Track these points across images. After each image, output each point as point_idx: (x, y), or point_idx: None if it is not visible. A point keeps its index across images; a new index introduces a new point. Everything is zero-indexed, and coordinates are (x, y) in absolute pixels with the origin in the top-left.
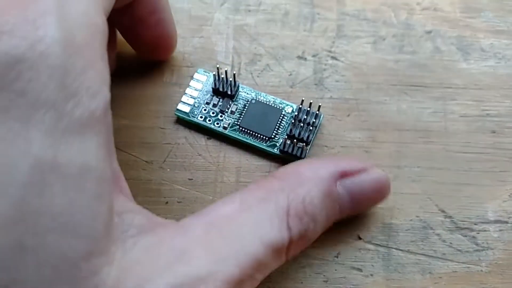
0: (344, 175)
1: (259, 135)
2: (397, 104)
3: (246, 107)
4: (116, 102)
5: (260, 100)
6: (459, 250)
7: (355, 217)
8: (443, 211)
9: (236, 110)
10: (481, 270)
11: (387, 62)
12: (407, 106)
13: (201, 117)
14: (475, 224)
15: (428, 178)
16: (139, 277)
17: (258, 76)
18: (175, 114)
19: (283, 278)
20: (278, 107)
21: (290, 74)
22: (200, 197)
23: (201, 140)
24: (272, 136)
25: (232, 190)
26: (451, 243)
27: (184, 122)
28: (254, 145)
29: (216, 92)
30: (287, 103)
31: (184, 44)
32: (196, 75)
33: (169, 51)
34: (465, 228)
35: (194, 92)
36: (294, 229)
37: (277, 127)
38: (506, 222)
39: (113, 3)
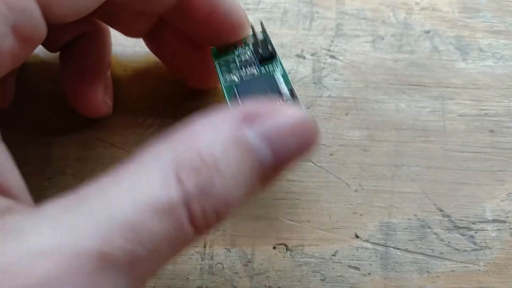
0: (251, 117)
1: None
2: (396, 103)
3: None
4: (114, 100)
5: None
6: (457, 249)
7: (352, 215)
8: (441, 210)
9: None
10: (479, 270)
11: (386, 61)
12: (405, 105)
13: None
14: (473, 223)
15: (426, 177)
16: None
17: None
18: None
19: (280, 277)
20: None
21: (289, 73)
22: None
23: None
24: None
25: None
26: (449, 242)
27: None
28: None
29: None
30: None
31: None
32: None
33: (242, 35)
34: (463, 227)
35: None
36: (189, 182)
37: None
38: (504, 222)
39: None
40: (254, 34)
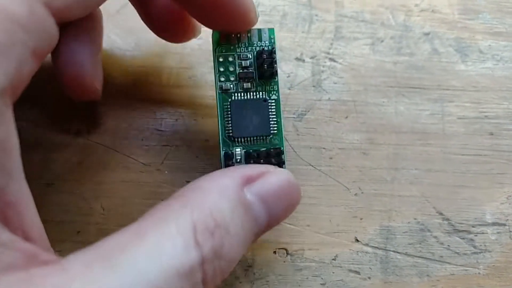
0: (249, 180)
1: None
2: (395, 106)
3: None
4: (113, 104)
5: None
6: (457, 253)
7: (352, 219)
8: (440, 214)
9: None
10: (479, 273)
11: (385, 64)
12: (404, 108)
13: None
14: (473, 227)
15: (426, 180)
16: None
17: None
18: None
19: (280, 281)
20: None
21: (288, 76)
22: None
23: (198, 142)
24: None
25: None
26: (449, 245)
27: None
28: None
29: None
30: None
31: (183, 46)
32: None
33: (249, 24)
34: (463, 230)
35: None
36: (206, 245)
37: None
38: (504, 225)
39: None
40: (260, 43)
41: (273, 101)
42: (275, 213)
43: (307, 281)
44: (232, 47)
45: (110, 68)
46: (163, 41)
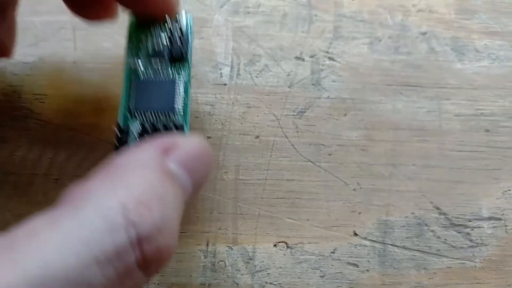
0: (166, 150)
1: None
2: (393, 104)
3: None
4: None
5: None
6: (453, 246)
7: (351, 213)
8: (437, 208)
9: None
10: (475, 266)
11: (383, 63)
12: (402, 105)
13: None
14: (469, 221)
15: (423, 176)
16: None
17: (257, 76)
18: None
19: (280, 274)
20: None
21: (288, 75)
22: (200, 194)
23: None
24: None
25: (231, 187)
26: (445, 239)
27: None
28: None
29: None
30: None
31: None
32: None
33: (171, 11)
34: (460, 224)
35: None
36: (144, 221)
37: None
38: (500, 219)
39: None
40: (176, 24)
41: (181, 81)
42: (198, 178)
43: (306, 274)
44: (147, 31)
45: (116, 69)
46: None
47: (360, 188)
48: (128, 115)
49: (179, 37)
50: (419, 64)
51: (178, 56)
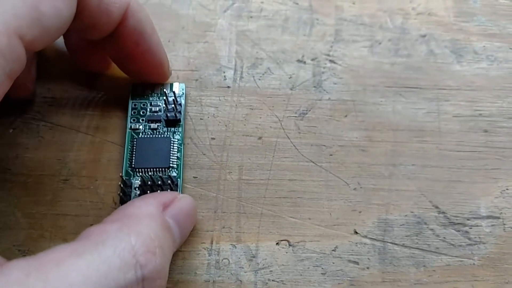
0: (165, 206)
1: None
2: (393, 105)
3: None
4: (126, 105)
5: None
6: (452, 244)
7: (352, 212)
8: (436, 207)
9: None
10: (474, 264)
11: (383, 65)
12: (402, 107)
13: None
14: (468, 220)
15: (422, 176)
16: None
17: (259, 79)
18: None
19: (283, 271)
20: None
21: (290, 77)
22: (204, 194)
23: (205, 140)
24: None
25: (235, 187)
26: (444, 237)
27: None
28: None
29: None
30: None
31: (189, 49)
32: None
33: (161, 78)
34: (458, 223)
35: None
36: (149, 264)
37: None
38: (498, 218)
39: (41, 31)
40: (166, 95)
41: (176, 140)
42: (185, 231)
43: (308, 271)
44: (145, 96)
45: (121, 74)
46: (171, 45)
47: (361, 187)
48: (130, 171)
49: (173, 104)
50: (419, 66)
51: (173, 120)
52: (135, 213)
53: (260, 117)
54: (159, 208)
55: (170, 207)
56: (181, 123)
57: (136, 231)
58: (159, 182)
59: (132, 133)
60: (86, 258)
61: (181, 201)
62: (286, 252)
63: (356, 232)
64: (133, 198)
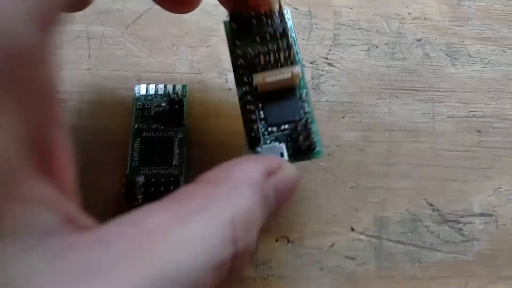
0: (270, 173)
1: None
2: (389, 106)
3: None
4: (127, 105)
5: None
6: (446, 241)
7: (349, 210)
8: (431, 205)
9: None
10: (467, 260)
11: (380, 68)
12: (397, 108)
13: None
14: (462, 217)
15: (417, 175)
16: None
17: None
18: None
19: (282, 267)
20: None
21: None
22: None
23: (206, 140)
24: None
25: None
26: (439, 234)
27: None
28: None
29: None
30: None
31: (193, 53)
32: None
33: (193, 6)
34: (452, 220)
35: None
36: (242, 240)
37: None
38: (491, 215)
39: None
40: (169, 96)
41: (179, 139)
42: (282, 204)
43: (306, 267)
44: (149, 97)
45: (128, 75)
46: (175, 49)
47: (357, 186)
48: (135, 169)
49: (177, 105)
50: (414, 69)
51: (176, 120)
52: (238, 177)
53: None
54: (263, 177)
55: (274, 177)
56: (184, 123)
57: (238, 201)
58: (162, 180)
59: (137, 132)
60: (191, 227)
61: (286, 171)
62: (285, 249)
63: (352, 229)
64: (137, 196)
